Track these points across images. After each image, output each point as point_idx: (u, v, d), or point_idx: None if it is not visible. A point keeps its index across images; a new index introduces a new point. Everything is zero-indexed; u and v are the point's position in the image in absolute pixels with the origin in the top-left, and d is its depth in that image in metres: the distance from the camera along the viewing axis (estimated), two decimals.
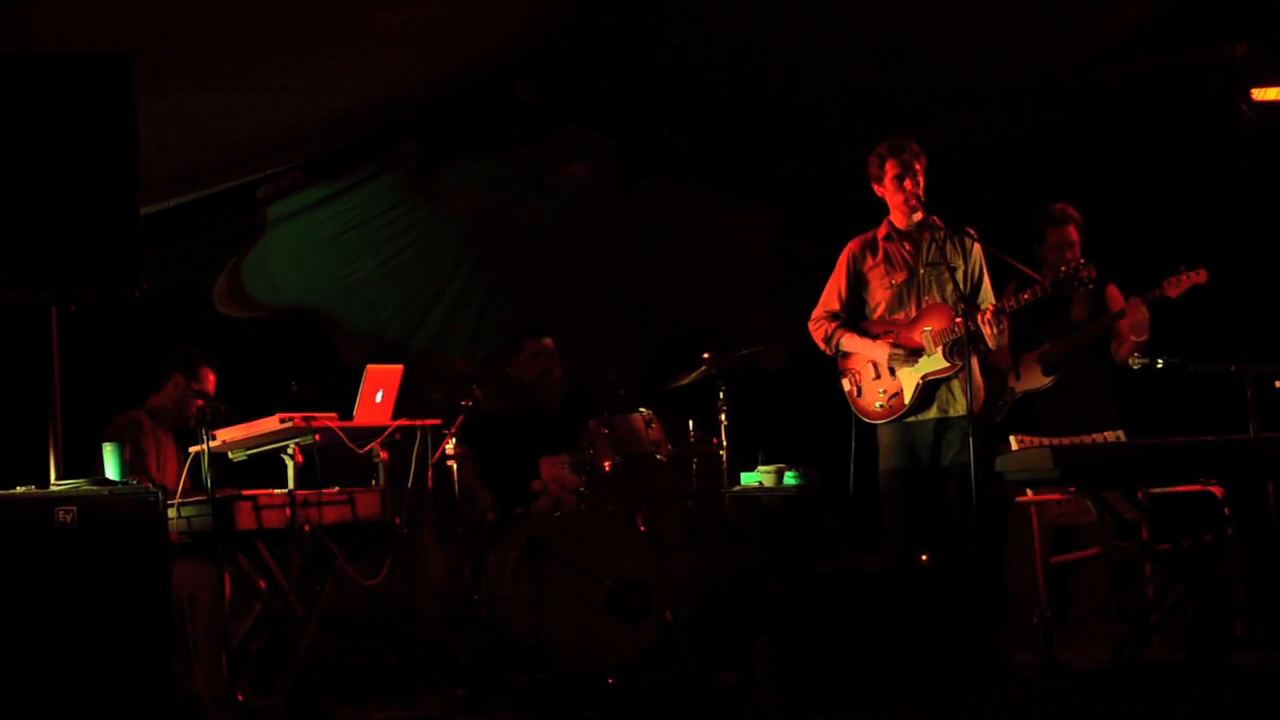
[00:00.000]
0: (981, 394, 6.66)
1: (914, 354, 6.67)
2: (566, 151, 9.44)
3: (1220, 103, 8.12)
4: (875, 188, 6.82)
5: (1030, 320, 7.19)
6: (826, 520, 8.07)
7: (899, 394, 6.70)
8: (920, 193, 6.69)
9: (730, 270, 9.71)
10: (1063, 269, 6.53)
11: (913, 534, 6.65)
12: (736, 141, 9.23)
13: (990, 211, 7.66)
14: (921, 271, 6.75)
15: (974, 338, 6.54)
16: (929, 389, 6.65)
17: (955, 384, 6.62)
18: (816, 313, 6.97)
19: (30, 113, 5.43)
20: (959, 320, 6.48)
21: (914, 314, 6.73)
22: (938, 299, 6.69)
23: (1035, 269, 7.36)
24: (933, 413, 6.67)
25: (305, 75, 7.33)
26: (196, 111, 7.10)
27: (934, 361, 6.63)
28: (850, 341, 6.85)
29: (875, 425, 6.80)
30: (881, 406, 6.75)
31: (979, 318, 6.48)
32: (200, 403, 6.61)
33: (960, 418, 6.59)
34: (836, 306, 6.92)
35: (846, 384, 6.90)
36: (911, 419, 6.69)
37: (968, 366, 6.47)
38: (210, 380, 7.08)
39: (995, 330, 6.50)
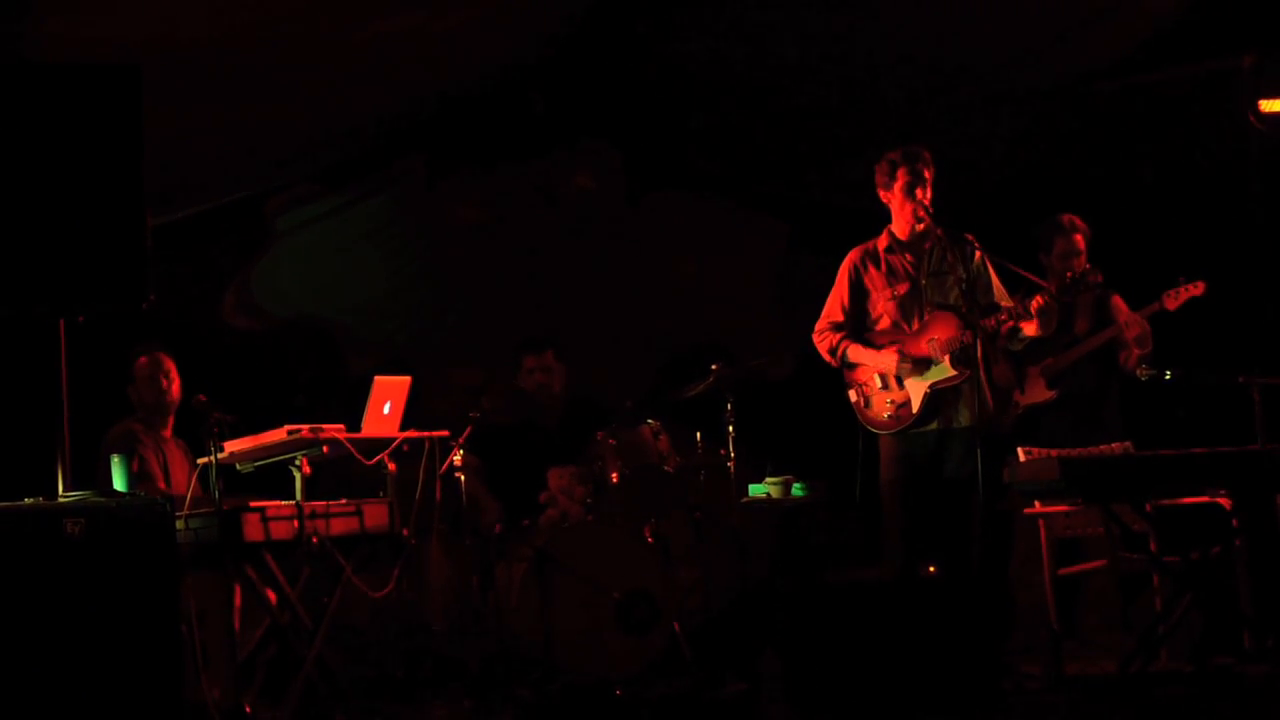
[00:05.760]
0: (990, 405, 6.65)
1: (921, 363, 6.66)
2: (574, 163, 9.44)
3: (1228, 114, 8.11)
4: (881, 193, 6.80)
5: None
6: (834, 531, 8.06)
7: (907, 404, 6.68)
8: (928, 202, 6.68)
9: (738, 281, 9.71)
10: (1069, 274, 6.52)
11: (914, 545, 6.64)
12: (744, 153, 9.23)
13: (995, 220, 7.66)
14: (924, 282, 6.74)
15: (993, 336, 6.57)
16: (936, 398, 6.63)
17: (960, 397, 6.60)
18: (820, 324, 6.95)
19: (37, 124, 5.41)
20: (966, 328, 6.48)
21: (917, 325, 6.72)
22: (942, 308, 6.68)
23: (1041, 278, 7.37)
24: (934, 424, 6.65)
25: (314, 87, 7.34)
26: (205, 123, 7.11)
27: (941, 370, 6.61)
28: (857, 352, 6.83)
29: (879, 435, 6.80)
30: (890, 417, 6.73)
31: (998, 318, 6.49)
32: (173, 386, 6.66)
33: (963, 429, 6.59)
34: (840, 317, 6.90)
35: (853, 395, 6.87)
36: (913, 430, 6.68)
37: (975, 375, 6.45)
38: (169, 361, 7.02)
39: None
